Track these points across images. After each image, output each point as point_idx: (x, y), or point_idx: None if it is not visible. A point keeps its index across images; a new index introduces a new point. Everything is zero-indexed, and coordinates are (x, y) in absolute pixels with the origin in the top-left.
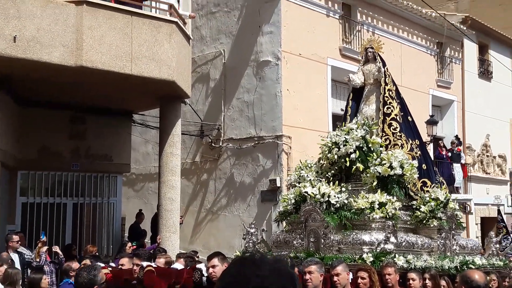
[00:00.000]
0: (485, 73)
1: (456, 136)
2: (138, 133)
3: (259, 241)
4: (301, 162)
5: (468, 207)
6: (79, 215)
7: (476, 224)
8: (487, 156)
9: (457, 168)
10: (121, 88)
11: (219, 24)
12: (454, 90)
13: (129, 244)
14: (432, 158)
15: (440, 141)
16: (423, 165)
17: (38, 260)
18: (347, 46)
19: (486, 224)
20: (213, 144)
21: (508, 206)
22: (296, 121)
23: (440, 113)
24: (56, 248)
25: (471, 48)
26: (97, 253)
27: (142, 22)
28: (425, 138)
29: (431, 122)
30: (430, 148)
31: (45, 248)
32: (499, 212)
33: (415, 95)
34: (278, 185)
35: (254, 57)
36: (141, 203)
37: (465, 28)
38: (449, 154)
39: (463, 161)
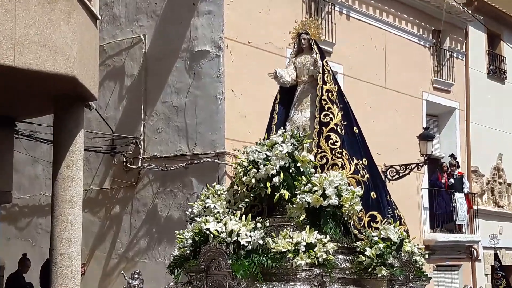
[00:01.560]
0: (497, 72)
1: (452, 155)
2: (23, 149)
3: None
4: (208, 188)
5: (475, 252)
6: None
7: (486, 275)
8: (500, 183)
9: (459, 199)
10: None
11: (138, 0)
12: (455, 94)
13: None
14: (427, 185)
15: (444, 163)
16: (372, 193)
17: None
18: None
19: None
20: (128, 165)
21: None
22: (244, 134)
23: (437, 125)
24: None
25: (478, 39)
26: None
27: None
28: (417, 158)
29: (426, 137)
30: (424, 172)
31: None
32: (496, 256)
33: (404, 100)
34: None
35: (187, 46)
36: (27, 245)
37: (470, 12)
38: (450, 180)
39: (467, 190)
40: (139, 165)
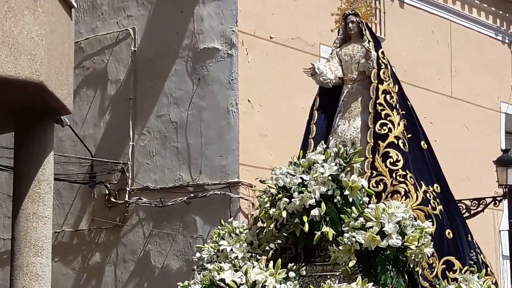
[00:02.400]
0: None
1: None
2: None
3: None
4: (222, 225)
5: None
6: None
7: None
8: None
9: None
10: None
11: None
12: None
13: None
14: (507, 227)
15: None
16: (448, 231)
17: None
18: None
19: None
20: (112, 199)
21: None
22: (264, 158)
23: None
24: None
25: None
26: None
27: None
28: (494, 190)
29: (505, 162)
30: (504, 209)
31: None
32: None
33: (476, 113)
34: None
35: (189, 42)
36: None
37: None
38: None
39: None
40: (126, 199)
